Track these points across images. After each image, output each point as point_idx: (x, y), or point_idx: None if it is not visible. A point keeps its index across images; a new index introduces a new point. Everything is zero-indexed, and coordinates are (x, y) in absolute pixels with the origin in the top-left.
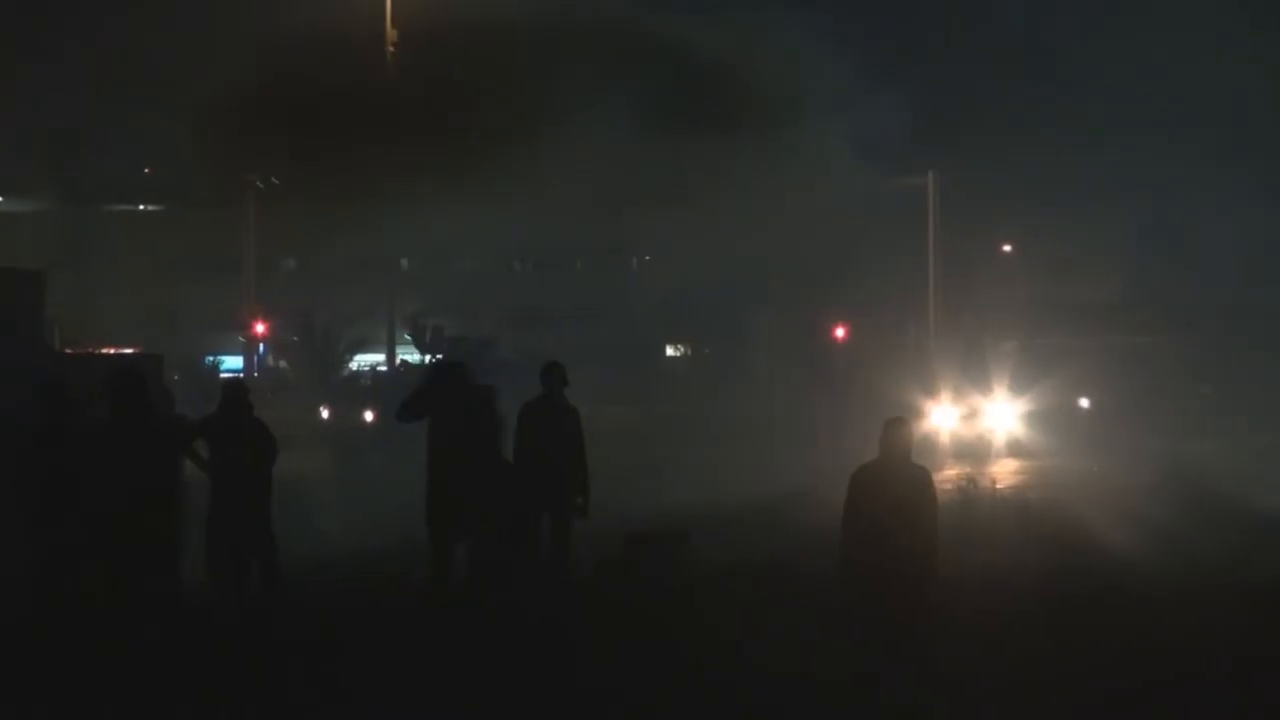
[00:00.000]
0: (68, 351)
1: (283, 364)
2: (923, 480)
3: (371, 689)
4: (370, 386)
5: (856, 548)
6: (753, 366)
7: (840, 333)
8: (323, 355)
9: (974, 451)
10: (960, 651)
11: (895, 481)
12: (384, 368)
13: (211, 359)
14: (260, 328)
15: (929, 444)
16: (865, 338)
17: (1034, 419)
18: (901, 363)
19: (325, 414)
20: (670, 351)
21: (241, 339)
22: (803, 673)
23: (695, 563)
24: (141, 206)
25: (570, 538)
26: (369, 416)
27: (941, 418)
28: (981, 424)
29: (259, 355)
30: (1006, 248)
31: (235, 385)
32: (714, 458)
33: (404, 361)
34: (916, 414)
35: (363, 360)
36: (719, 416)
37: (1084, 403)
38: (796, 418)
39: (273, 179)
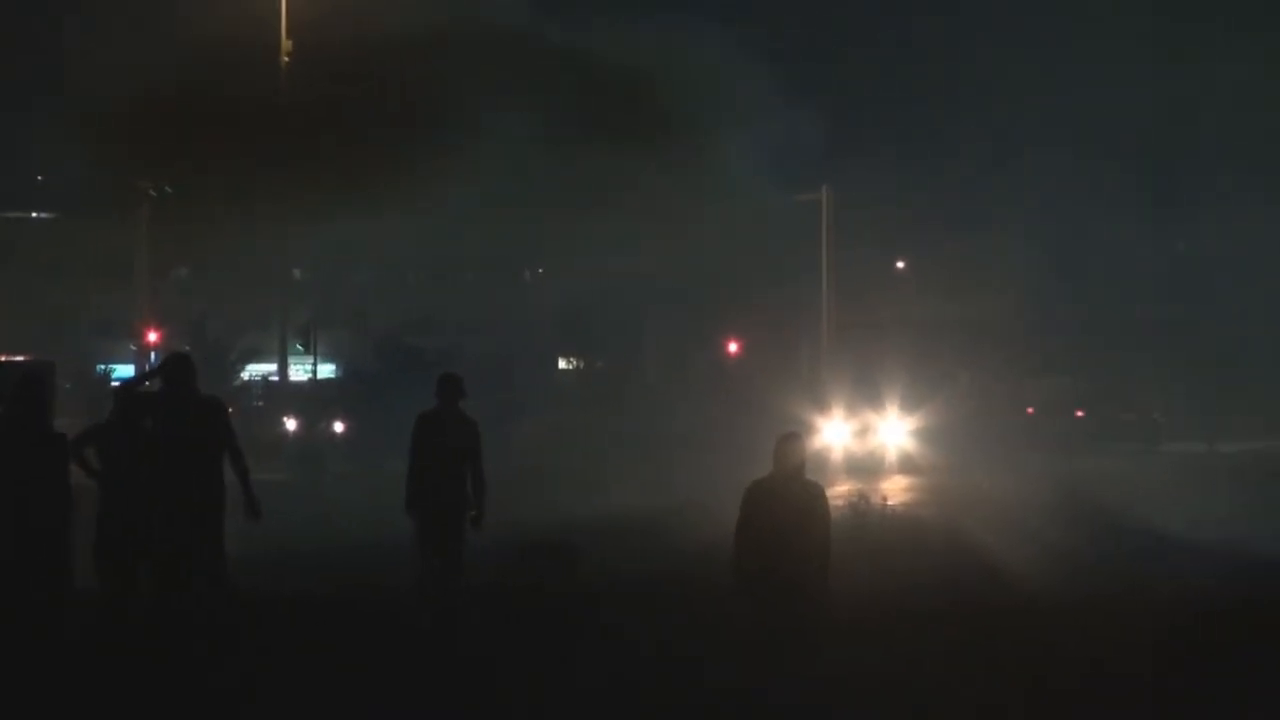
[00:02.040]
0: None
1: None
2: (815, 495)
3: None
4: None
5: (749, 558)
6: (646, 380)
7: (733, 347)
8: (214, 364)
9: (866, 467)
10: (846, 656)
11: (788, 496)
12: (275, 378)
13: (103, 367)
14: (152, 336)
15: (821, 460)
16: (759, 353)
17: (925, 435)
18: (794, 378)
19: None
20: (563, 364)
21: (133, 347)
22: (691, 678)
23: (588, 572)
24: (33, 214)
25: (462, 549)
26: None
27: (834, 434)
28: (874, 440)
29: (150, 364)
30: (900, 264)
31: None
32: (606, 470)
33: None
34: (809, 429)
35: (254, 370)
36: (611, 429)
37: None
38: (689, 431)
39: (166, 187)
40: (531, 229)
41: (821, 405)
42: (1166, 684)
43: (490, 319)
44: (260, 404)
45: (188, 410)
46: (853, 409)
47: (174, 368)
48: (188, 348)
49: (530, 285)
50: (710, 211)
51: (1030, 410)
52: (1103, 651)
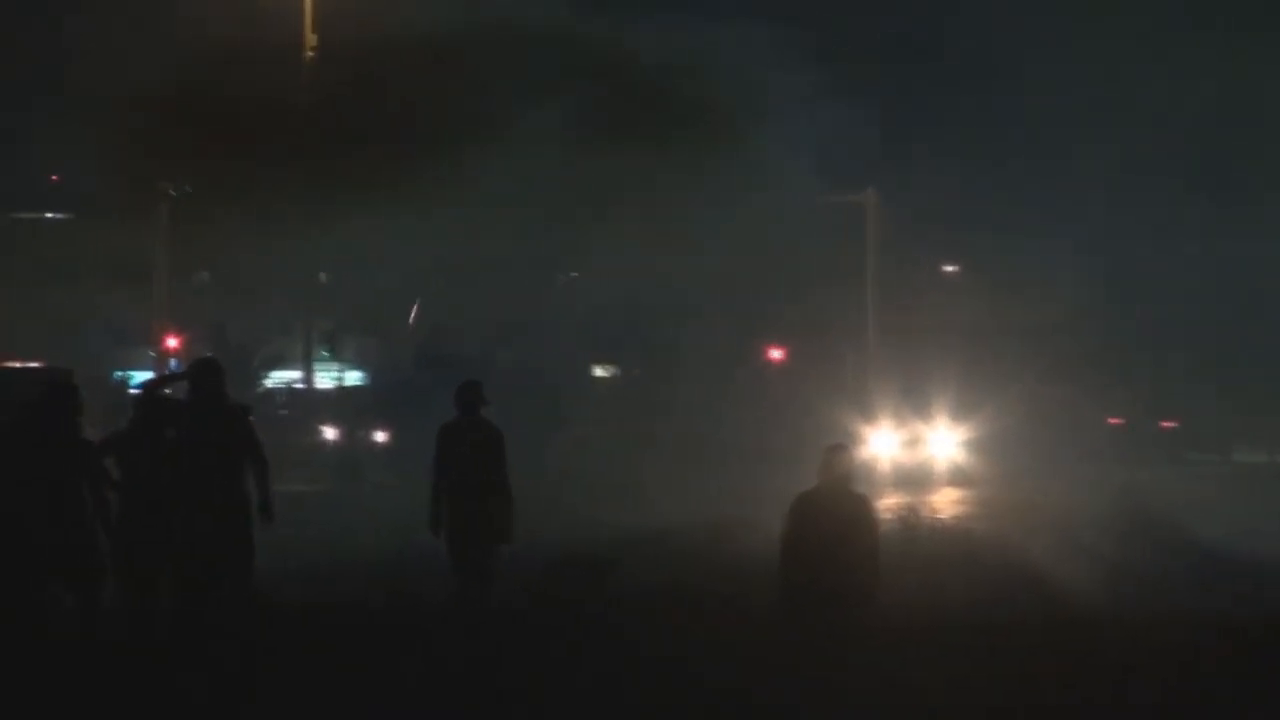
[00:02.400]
0: None
1: None
2: (863, 507)
3: None
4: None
5: (796, 573)
6: (685, 388)
7: (776, 354)
8: (236, 371)
9: (915, 479)
10: (894, 671)
11: (835, 509)
12: (300, 385)
13: (120, 374)
14: (172, 342)
15: (869, 471)
16: (803, 360)
17: (976, 446)
18: (840, 386)
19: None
20: (598, 372)
21: (152, 354)
22: (736, 689)
23: (625, 586)
24: (47, 215)
25: (494, 562)
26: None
27: (882, 444)
28: (923, 451)
29: (170, 370)
30: (950, 268)
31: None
32: (644, 481)
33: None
34: (856, 440)
35: (278, 377)
36: (649, 440)
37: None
38: (732, 442)
39: (186, 188)
40: (566, 232)
41: (868, 414)
42: (1221, 708)
43: (522, 325)
44: (285, 412)
45: (214, 416)
46: (900, 418)
47: (201, 372)
48: (208, 354)
49: (564, 290)
50: (753, 214)
51: (1114, 420)
52: (1153, 669)
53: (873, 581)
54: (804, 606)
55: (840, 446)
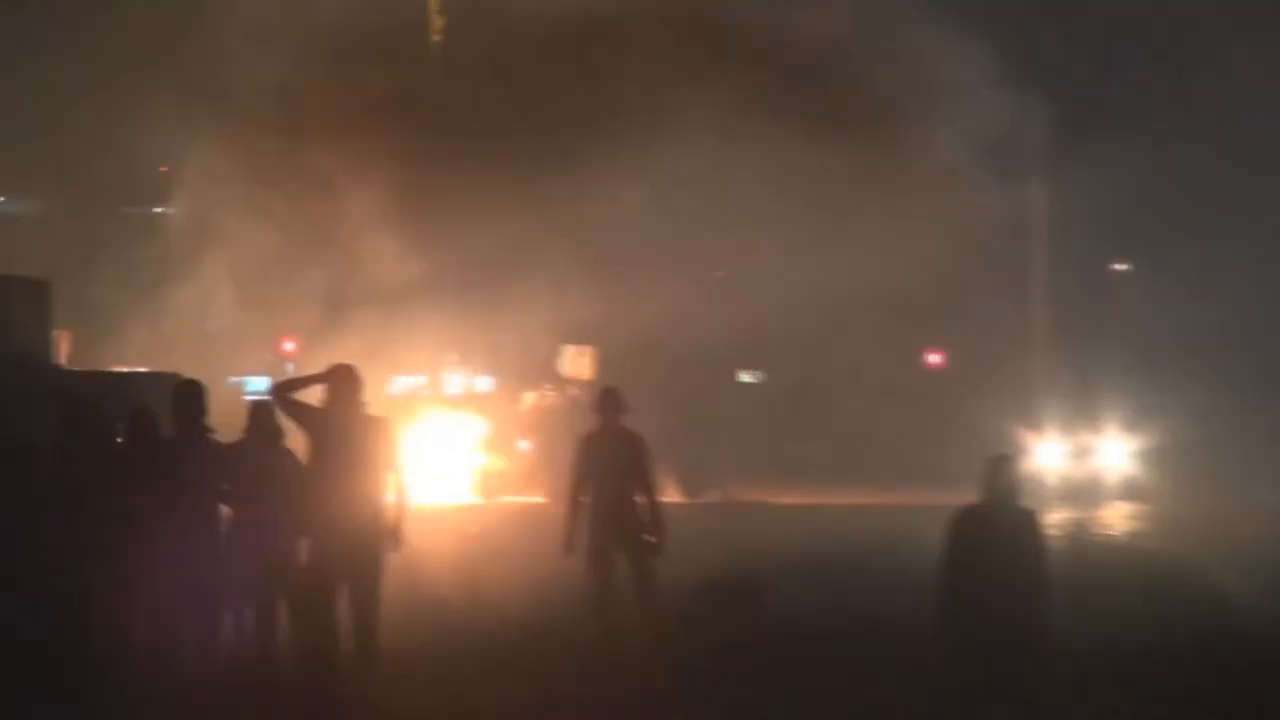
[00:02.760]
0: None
1: None
2: (1030, 523)
3: None
4: None
5: (959, 602)
6: (839, 395)
7: (934, 358)
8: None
9: (1085, 493)
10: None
11: (1000, 525)
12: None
13: (234, 380)
14: (288, 345)
15: (1035, 484)
16: (963, 364)
17: (1152, 457)
18: (1003, 392)
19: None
20: (744, 377)
21: (269, 356)
22: None
23: (772, 614)
24: (158, 209)
25: (653, 579)
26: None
27: (1049, 455)
28: (1093, 462)
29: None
30: (1121, 266)
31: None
32: (801, 497)
33: None
34: (1020, 450)
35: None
36: (801, 451)
37: None
38: (888, 452)
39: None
40: (713, 227)
41: (1033, 422)
42: None
43: (663, 327)
44: None
45: (352, 427)
46: (1069, 427)
47: (340, 379)
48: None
49: (711, 289)
50: (914, 207)
51: None
52: None
53: (1045, 611)
54: (970, 646)
55: (1005, 457)
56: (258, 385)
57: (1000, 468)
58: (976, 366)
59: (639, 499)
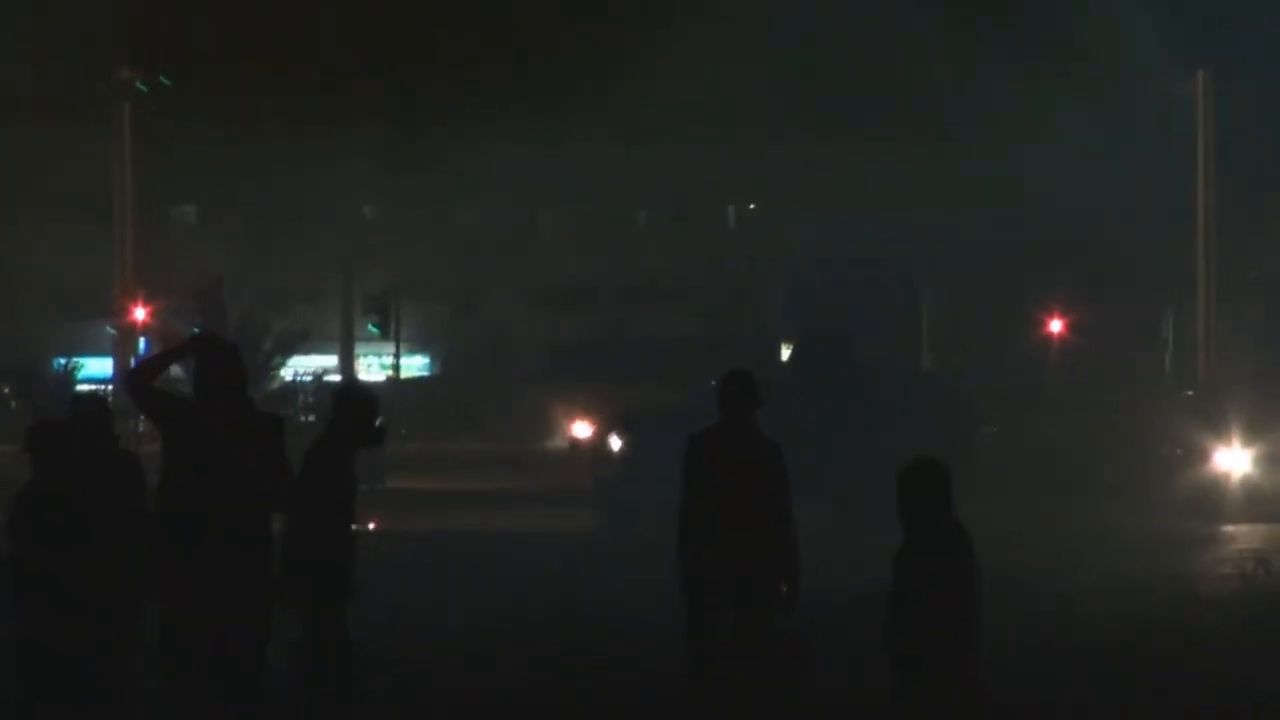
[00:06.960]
0: None
1: (177, 372)
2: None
3: None
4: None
5: None
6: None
7: (1058, 326)
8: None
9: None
10: None
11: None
12: (336, 376)
13: (64, 362)
14: (140, 312)
15: (1215, 496)
16: (1101, 334)
17: None
18: (1159, 372)
19: None
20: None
21: (111, 330)
22: None
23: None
24: None
25: (763, 633)
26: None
27: (1231, 460)
28: None
29: (140, 357)
30: None
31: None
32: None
33: None
34: (1195, 454)
35: (300, 365)
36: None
37: None
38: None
39: (161, 78)
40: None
41: (1208, 416)
42: None
43: (677, 285)
44: (312, 418)
45: (234, 432)
46: (1256, 424)
47: (217, 357)
48: (196, 329)
49: (736, 229)
50: (1034, 115)
51: None
52: None
53: None
54: None
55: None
56: (96, 372)
57: None
58: (1121, 337)
59: (766, 525)
